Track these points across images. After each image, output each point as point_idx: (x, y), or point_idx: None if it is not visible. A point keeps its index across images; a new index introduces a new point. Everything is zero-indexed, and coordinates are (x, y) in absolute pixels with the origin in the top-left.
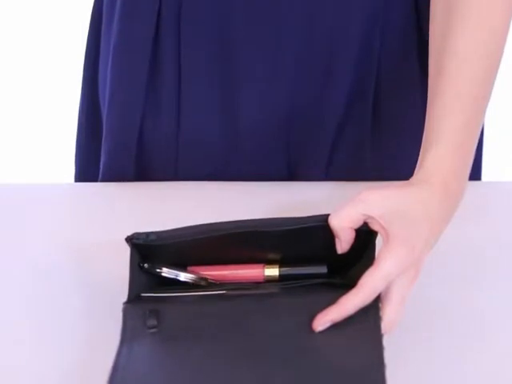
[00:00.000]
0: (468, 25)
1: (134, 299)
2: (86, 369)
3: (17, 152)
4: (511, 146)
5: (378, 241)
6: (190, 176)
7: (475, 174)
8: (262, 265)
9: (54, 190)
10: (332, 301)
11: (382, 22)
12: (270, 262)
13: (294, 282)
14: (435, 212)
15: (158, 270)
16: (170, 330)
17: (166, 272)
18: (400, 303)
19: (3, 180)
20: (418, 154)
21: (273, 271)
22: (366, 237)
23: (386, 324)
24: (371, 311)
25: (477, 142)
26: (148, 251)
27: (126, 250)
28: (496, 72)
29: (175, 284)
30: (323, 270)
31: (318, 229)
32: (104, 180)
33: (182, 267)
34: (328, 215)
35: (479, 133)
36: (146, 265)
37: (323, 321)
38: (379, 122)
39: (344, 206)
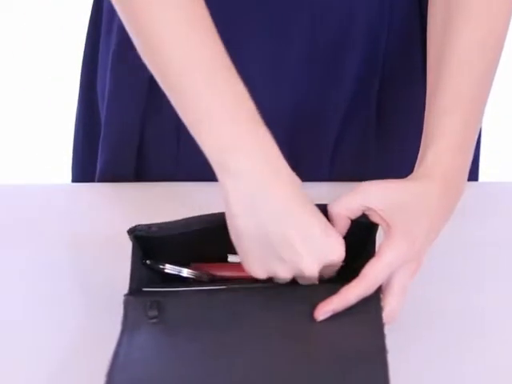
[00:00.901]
0: (467, 25)
1: (135, 292)
2: (87, 363)
3: (14, 153)
4: (509, 146)
5: (379, 236)
6: (190, 174)
7: (473, 174)
8: None
9: (53, 190)
10: (333, 292)
11: (386, 22)
12: None
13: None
14: (435, 206)
15: (161, 267)
16: (170, 321)
17: (169, 268)
18: (401, 293)
19: (1, 180)
20: None
21: None
22: (366, 230)
23: (387, 314)
24: (372, 301)
25: (476, 139)
26: (150, 244)
27: (126, 250)
28: (495, 72)
29: (177, 279)
30: None
31: None
32: (103, 178)
33: (185, 263)
34: (327, 204)
35: (478, 130)
36: (148, 261)
37: (324, 310)
38: (383, 121)
39: (345, 195)
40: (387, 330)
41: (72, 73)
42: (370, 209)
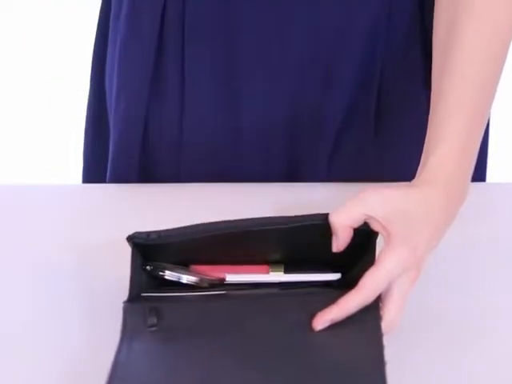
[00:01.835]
0: (472, 27)
1: (134, 298)
2: (86, 368)
3: (22, 153)
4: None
5: (379, 242)
6: (191, 173)
7: (480, 174)
8: (266, 266)
9: (56, 191)
10: (332, 301)
11: (386, 23)
12: (272, 262)
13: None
14: (437, 214)
15: (160, 274)
16: (169, 329)
17: (169, 275)
18: (401, 303)
19: (8, 181)
20: (421, 155)
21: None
22: (366, 237)
23: (386, 323)
24: (371, 310)
25: (479, 144)
26: (149, 250)
27: (130, 251)
28: (500, 73)
29: (176, 284)
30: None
31: (318, 227)
32: (111, 179)
33: (184, 266)
34: (328, 214)
35: (482, 135)
36: (148, 267)
37: (323, 320)
38: (381, 122)
39: (345, 204)
40: (387, 334)
41: (72, 73)
42: (370, 217)
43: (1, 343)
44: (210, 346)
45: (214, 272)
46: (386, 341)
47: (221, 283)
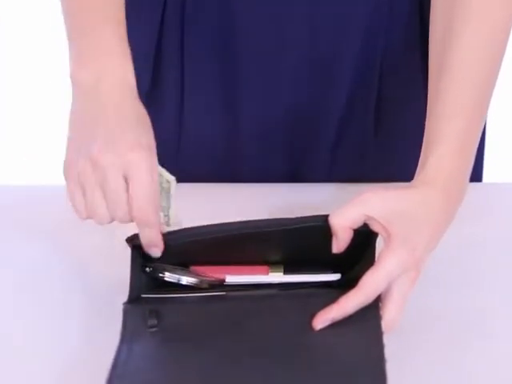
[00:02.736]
0: (469, 26)
1: (134, 300)
2: (86, 368)
3: (22, 153)
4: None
5: (379, 243)
6: (189, 175)
7: (477, 175)
8: (266, 267)
9: (56, 191)
10: (332, 301)
11: (385, 24)
12: (272, 263)
13: (293, 283)
14: (436, 214)
15: (160, 275)
16: (169, 330)
17: (169, 277)
18: (401, 303)
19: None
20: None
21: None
22: (366, 238)
23: (386, 323)
24: (371, 310)
25: (477, 144)
26: None
27: (129, 251)
28: (498, 72)
29: (176, 285)
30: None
31: (318, 228)
32: None
33: (184, 267)
34: (328, 215)
35: (480, 135)
36: (147, 269)
37: (323, 319)
38: (381, 122)
39: (345, 205)
40: (387, 333)
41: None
42: (370, 218)
43: (1, 343)
44: (209, 346)
45: (213, 273)
46: (385, 341)
47: (221, 284)
